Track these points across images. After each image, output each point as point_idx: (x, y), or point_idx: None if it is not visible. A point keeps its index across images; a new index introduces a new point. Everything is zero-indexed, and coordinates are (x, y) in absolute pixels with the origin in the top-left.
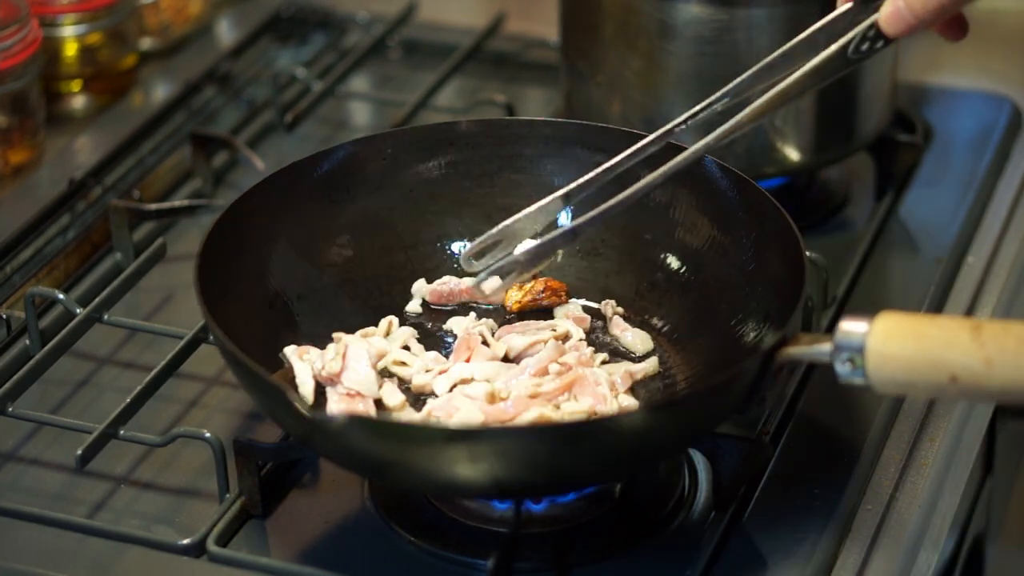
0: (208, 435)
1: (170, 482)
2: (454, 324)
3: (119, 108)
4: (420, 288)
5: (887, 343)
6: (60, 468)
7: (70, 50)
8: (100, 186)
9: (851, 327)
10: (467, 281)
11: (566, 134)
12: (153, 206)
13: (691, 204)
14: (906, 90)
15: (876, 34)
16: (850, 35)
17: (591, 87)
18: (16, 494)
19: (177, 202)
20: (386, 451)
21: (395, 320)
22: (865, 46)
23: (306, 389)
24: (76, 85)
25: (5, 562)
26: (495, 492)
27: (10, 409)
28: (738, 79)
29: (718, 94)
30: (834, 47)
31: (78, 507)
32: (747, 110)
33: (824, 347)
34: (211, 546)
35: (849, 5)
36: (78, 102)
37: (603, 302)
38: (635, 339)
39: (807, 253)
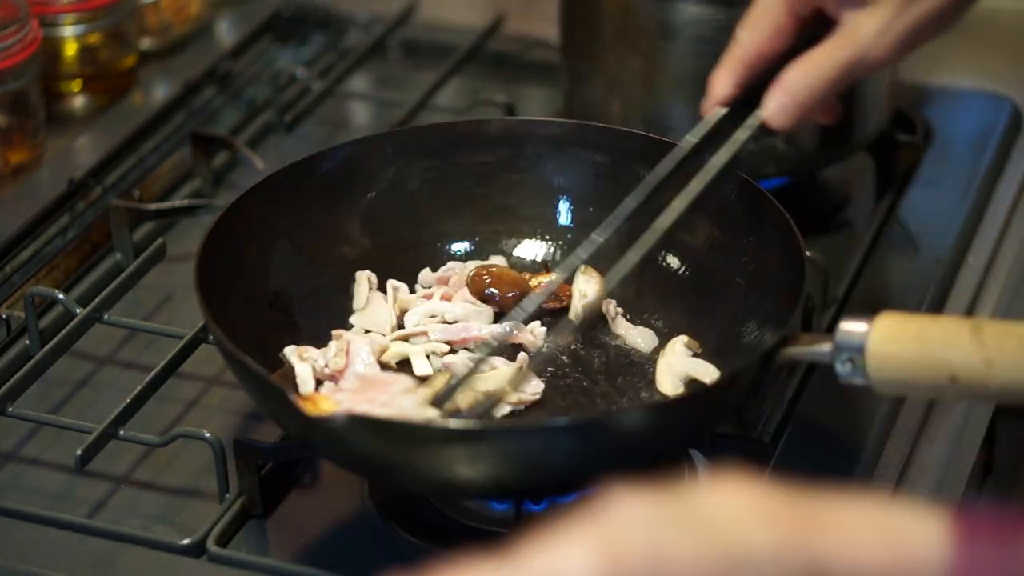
0: (208, 435)
1: (170, 482)
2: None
3: (119, 108)
4: (426, 277)
5: (887, 343)
6: (60, 468)
7: (70, 50)
8: (100, 186)
9: (851, 327)
10: (472, 265)
11: (566, 134)
12: (153, 206)
13: (691, 204)
14: (906, 90)
15: (764, 131)
16: (739, 141)
17: (591, 87)
18: (16, 494)
19: (177, 202)
20: (386, 451)
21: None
22: (753, 145)
23: (307, 388)
24: (76, 85)
25: (5, 562)
26: (495, 492)
27: (10, 409)
28: (624, 206)
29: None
30: (725, 156)
31: (78, 507)
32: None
33: (824, 347)
34: (211, 546)
35: (723, 111)
36: (78, 102)
37: (604, 302)
38: (640, 337)
39: (807, 253)
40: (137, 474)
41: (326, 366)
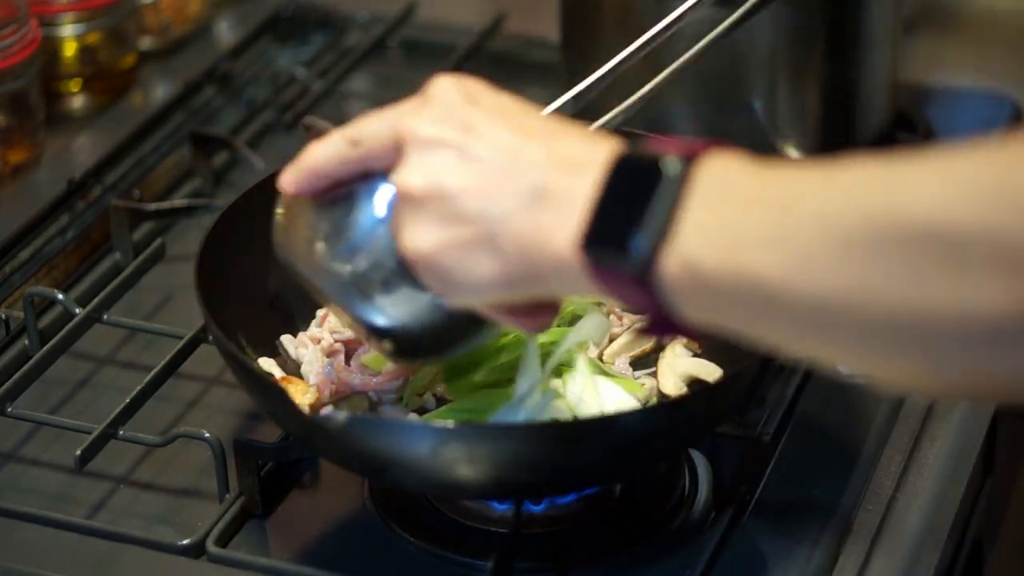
0: (208, 435)
1: (170, 482)
2: None
3: (119, 108)
4: None
5: None
6: (59, 468)
7: (69, 50)
8: (100, 186)
9: None
10: None
11: None
12: (153, 206)
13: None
14: (906, 90)
15: None
16: None
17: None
18: (16, 494)
19: (177, 202)
20: (386, 451)
21: None
22: None
23: (313, 373)
24: (75, 85)
25: (5, 562)
26: (495, 492)
27: (9, 409)
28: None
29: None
30: None
31: (77, 507)
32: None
33: None
34: (211, 546)
35: None
36: (77, 102)
37: (603, 305)
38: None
39: None
40: (137, 474)
41: (335, 338)
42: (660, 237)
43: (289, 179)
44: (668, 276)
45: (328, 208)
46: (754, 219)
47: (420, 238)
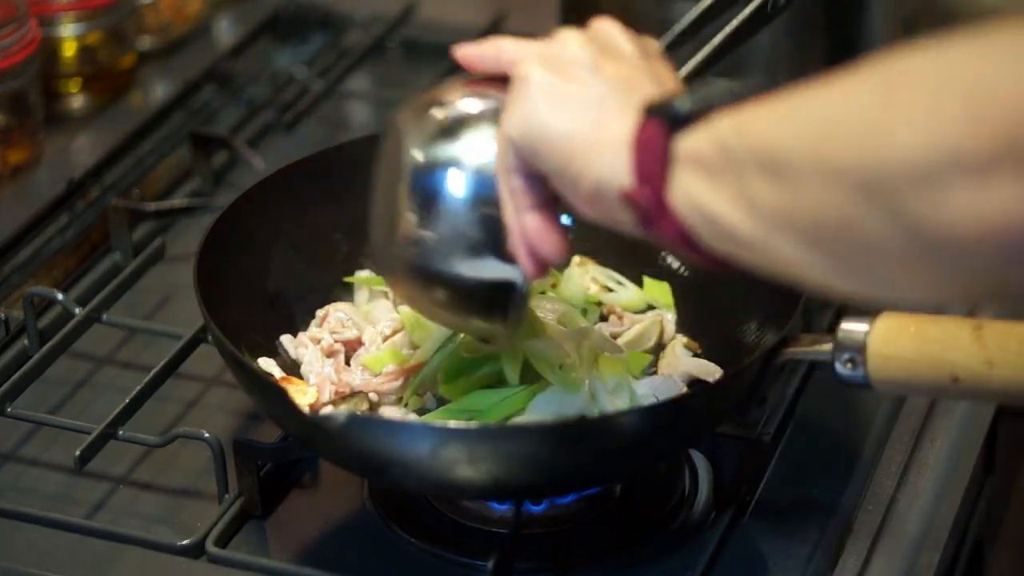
0: (207, 435)
1: (169, 482)
2: None
3: (118, 108)
4: None
5: (888, 343)
6: (59, 468)
7: (69, 50)
8: (99, 186)
9: (852, 327)
10: None
11: None
12: (152, 206)
13: None
14: None
15: None
16: None
17: None
18: (15, 494)
19: (176, 202)
20: (386, 451)
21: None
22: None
23: (313, 373)
24: (75, 85)
25: (4, 562)
26: (495, 492)
27: (9, 409)
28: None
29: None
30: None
31: (77, 508)
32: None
33: (825, 347)
34: (210, 547)
35: None
36: (77, 102)
37: (606, 305)
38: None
39: None
40: (136, 474)
41: (335, 338)
42: (699, 112)
43: (463, 51)
44: (694, 146)
45: (452, 129)
46: (780, 106)
47: (536, 68)
